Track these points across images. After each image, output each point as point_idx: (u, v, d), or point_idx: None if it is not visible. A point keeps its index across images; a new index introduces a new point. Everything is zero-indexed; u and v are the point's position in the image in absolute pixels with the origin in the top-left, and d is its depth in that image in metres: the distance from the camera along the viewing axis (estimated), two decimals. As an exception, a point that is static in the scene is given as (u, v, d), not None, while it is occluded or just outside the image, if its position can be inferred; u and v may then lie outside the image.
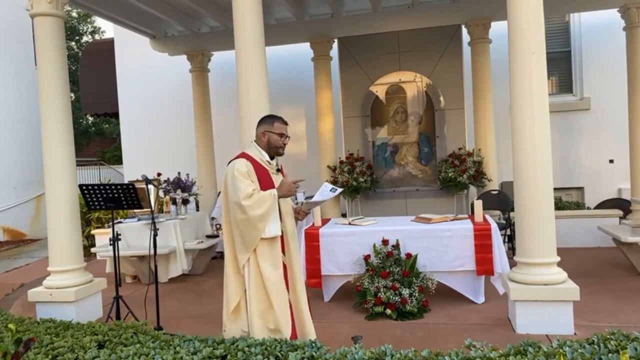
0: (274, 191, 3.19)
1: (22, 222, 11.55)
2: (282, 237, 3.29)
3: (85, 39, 22.06)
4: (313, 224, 5.22)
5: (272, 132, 3.30)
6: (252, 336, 3.08)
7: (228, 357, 2.48)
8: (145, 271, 6.13)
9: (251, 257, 3.20)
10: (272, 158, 3.36)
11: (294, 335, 3.24)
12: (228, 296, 3.29)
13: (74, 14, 21.54)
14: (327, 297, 5.00)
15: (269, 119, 3.37)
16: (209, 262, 6.77)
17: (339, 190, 3.42)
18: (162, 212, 6.77)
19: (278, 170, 3.39)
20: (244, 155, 3.31)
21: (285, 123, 3.39)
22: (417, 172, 7.36)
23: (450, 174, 6.88)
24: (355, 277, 4.82)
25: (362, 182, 7.10)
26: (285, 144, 3.37)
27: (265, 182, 3.25)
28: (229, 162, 3.31)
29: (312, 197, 3.43)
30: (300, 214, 3.44)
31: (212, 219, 7.35)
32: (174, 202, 6.62)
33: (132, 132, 10.19)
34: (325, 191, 3.39)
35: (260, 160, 3.30)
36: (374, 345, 2.55)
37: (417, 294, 4.42)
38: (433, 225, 4.81)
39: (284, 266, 3.31)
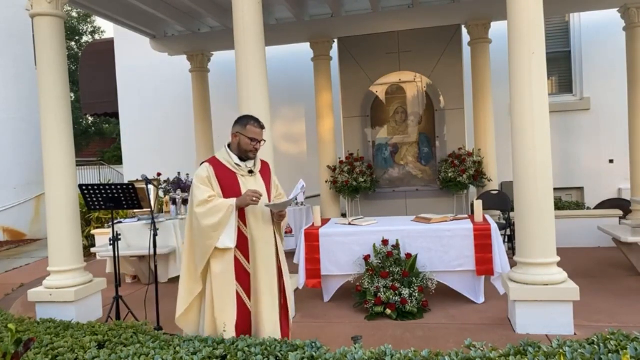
0: (232, 201, 3.06)
1: (22, 222, 11.55)
2: (247, 243, 3.16)
3: (85, 39, 22.08)
4: (313, 224, 5.22)
5: (243, 135, 3.16)
6: (205, 330, 3.12)
7: (228, 357, 2.48)
8: (145, 271, 6.13)
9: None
10: (244, 160, 3.22)
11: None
12: (178, 301, 3.27)
13: (74, 14, 21.55)
14: (327, 297, 5.01)
15: (243, 120, 3.21)
16: (209, 262, 6.76)
17: (301, 183, 3.26)
18: (162, 212, 6.77)
19: (251, 172, 3.21)
20: (210, 159, 3.23)
21: (261, 127, 3.21)
22: (417, 172, 7.36)
23: (450, 174, 6.87)
24: (355, 277, 4.82)
25: (362, 182, 7.10)
26: (257, 149, 3.20)
27: (229, 187, 3.13)
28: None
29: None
30: (275, 216, 3.24)
31: None
32: (174, 202, 6.62)
33: (132, 132, 10.19)
34: (297, 188, 3.24)
35: (228, 164, 3.18)
36: (374, 345, 2.55)
37: (417, 294, 4.42)
38: (433, 225, 4.81)
39: (247, 274, 3.17)
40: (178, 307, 3.29)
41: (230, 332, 3.07)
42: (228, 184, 3.14)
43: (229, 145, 3.26)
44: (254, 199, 3.06)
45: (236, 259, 3.15)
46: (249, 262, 3.17)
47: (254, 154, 3.22)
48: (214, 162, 3.20)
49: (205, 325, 3.17)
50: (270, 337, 2.76)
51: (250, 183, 3.19)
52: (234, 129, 3.22)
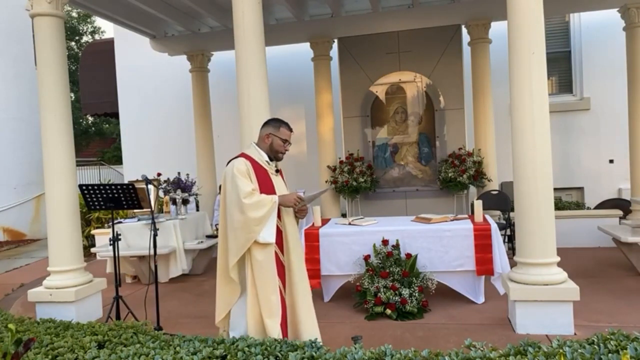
0: (275, 197, 3.15)
1: (22, 222, 11.55)
2: (282, 236, 3.26)
3: (85, 39, 22.09)
4: (313, 224, 5.22)
5: (276, 136, 3.29)
6: (248, 329, 3.08)
7: (228, 357, 2.48)
8: (145, 271, 6.13)
9: (246, 254, 3.15)
10: (271, 160, 3.34)
11: (284, 335, 3.15)
12: (218, 305, 3.29)
13: (74, 14, 21.55)
14: (327, 297, 5.00)
15: (275, 123, 3.35)
16: (209, 262, 6.77)
17: (326, 187, 3.47)
18: (162, 212, 6.77)
19: (277, 171, 3.37)
20: (243, 155, 3.29)
21: (291, 130, 3.38)
22: (417, 172, 7.36)
23: (450, 174, 6.87)
24: (355, 277, 4.82)
25: (362, 182, 7.10)
26: (287, 150, 3.36)
27: (264, 183, 3.22)
28: (228, 162, 3.27)
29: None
30: (298, 212, 3.37)
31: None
32: (174, 202, 6.62)
33: (132, 132, 10.19)
34: (324, 189, 3.41)
35: (260, 161, 3.27)
36: (374, 345, 2.55)
37: (417, 294, 4.42)
38: (433, 225, 4.81)
39: (282, 266, 3.26)
40: (218, 311, 3.29)
41: (276, 330, 3.05)
42: (263, 180, 3.23)
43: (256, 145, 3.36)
44: (297, 204, 3.21)
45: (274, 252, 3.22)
46: (283, 254, 3.26)
47: (283, 155, 3.35)
48: (248, 158, 3.26)
49: (250, 325, 3.11)
50: (310, 339, 2.73)
51: (278, 182, 3.33)
52: (266, 130, 3.32)
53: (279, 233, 3.24)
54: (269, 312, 3.10)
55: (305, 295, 3.30)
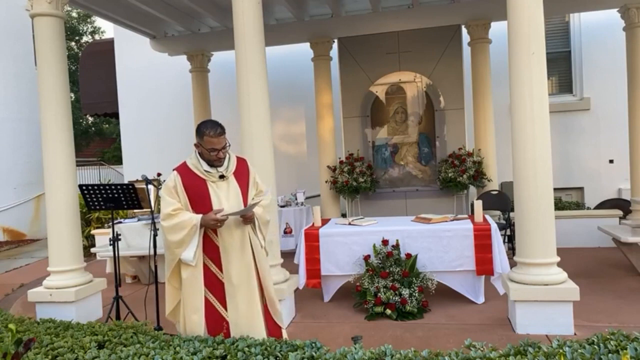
0: (196, 219, 2.97)
1: (22, 222, 11.55)
2: (218, 252, 3.08)
3: (85, 39, 22.07)
4: (313, 224, 5.22)
5: (202, 146, 3.05)
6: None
7: (228, 357, 2.48)
8: (145, 271, 6.13)
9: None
10: (212, 167, 3.10)
11: None
12: (167, 299, 3.23)
13: (74, 14, 21.53)
14: (327, 297, 5.01)
15: (200, 130, 3.04)
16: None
17: (257, 200, 3.18)
18: (162, 212, 6.77)
19: (222, 176, 3.10)
20: (180, 166, 3.14)
21: (219, 133, 3.01)
22: (417, 172, 7.35)
23: (450, 174, 6.87)
24: (355, 277, 4.82)
25: (362, 182, 7.10)
26: (219, 157, 3.05)
27: (198, 196, 3.05)
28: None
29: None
30: (244, 221, 3.10)
31: None
32: (174, 202, 6.61)
33: (132, 132, 10.19)
34: (252, 204, 3.14)
35: (197, 170, 3.08)
36: (374, 345, 2.55)
37: (417, 294, 4.42)
38: (433, 225, 4.81)
39: (221, 283, 3.08)
40: (167, 304, 3.27)
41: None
42: (196, 193, 3.05)
43: None
44: (218, 225, 3.00)
45: (206, 267, 3.08)
46: (221, 271, 3.08)
47: (220, 162, 3.09)
48: (183, 170, 3.11)
49: (180, 326, 3.16)
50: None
51: (222, 189, 3.09)
52: (196, 137, 3.09)
53: (215, 248, 3.07)
54: (190, 330, 3.06)
55: (253, 316, 3.09)
